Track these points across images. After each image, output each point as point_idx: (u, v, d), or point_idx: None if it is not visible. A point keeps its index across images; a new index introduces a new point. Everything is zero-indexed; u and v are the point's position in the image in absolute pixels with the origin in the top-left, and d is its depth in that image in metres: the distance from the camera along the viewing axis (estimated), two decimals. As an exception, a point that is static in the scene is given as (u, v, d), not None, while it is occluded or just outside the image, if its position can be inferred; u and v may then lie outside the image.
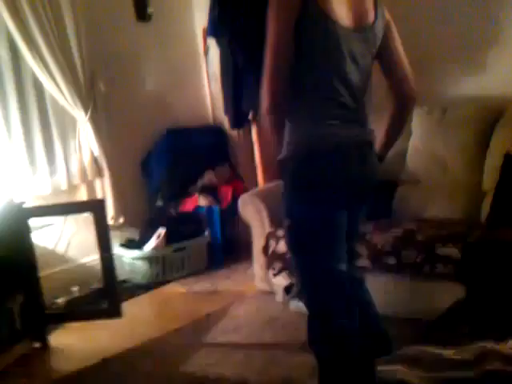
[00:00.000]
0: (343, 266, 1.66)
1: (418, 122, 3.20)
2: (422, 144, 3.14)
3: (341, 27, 1.52)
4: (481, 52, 3.24)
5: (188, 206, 3.91)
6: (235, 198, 3.63)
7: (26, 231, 2.79)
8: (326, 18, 1.50)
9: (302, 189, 1.60)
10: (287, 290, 2.87)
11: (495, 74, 3.18)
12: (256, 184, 3.54)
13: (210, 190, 3.93)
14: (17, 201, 2.83)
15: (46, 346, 2.80)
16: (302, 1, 1.47)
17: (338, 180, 1.59)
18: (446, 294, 2.26)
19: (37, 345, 2.80)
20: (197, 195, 3.90)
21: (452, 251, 2.34)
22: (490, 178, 2.82)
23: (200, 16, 3.94)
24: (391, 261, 2.48)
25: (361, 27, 1.57)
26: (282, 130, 1.62)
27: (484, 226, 2.58)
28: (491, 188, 2.74)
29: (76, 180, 3.49)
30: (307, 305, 1.71)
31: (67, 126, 3.48)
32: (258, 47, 2.78)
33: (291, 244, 1.72)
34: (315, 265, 1.66)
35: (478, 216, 2.77)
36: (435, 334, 1.94)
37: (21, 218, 2.76)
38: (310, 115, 1.59)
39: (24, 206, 2.79)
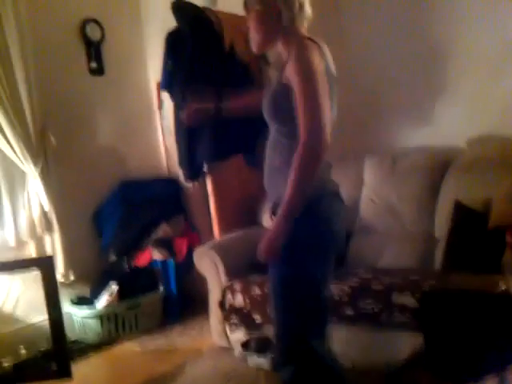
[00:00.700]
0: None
1: (369, 172, 3.27)
2: (373, 193, 3.20)
3: None
4: (428, 104, 3.37)
5: (142, 259, 3.82)
6: (191, 251, 3.59)
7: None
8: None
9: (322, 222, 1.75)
10: (245, 345, 2.80)
11: (442, 125, 3.31)
12: (212, 236, 3.50)
13: (165, 243, 3.86)
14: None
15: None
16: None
17: (336, 221, 1.80)
18: (405, 343, 2.24)
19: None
20: (151, 248, 3.81)
21: (408, 300, 2.33)
22: (441, 226, 2.87)
23: (154, 69, 3.98)
24: (348, 311, 2.46)
25: None
26: None
27: (438, 273, 2.61)
28: (443, 235, 2.80)
29: (25, 236, 3.37)
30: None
31: (16, 180, 3.38)
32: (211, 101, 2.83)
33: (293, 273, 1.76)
34: (312, 287, 1.77)
35: (431, 263, 2.81)
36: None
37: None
38: None
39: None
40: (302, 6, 1.79)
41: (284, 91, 1.72)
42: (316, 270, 1.77)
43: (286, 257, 1.72)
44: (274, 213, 1.81)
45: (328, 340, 1.84)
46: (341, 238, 1.87)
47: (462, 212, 2.70)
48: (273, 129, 1.84)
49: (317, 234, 1.75)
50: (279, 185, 1.76)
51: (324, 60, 1.75)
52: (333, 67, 1.81)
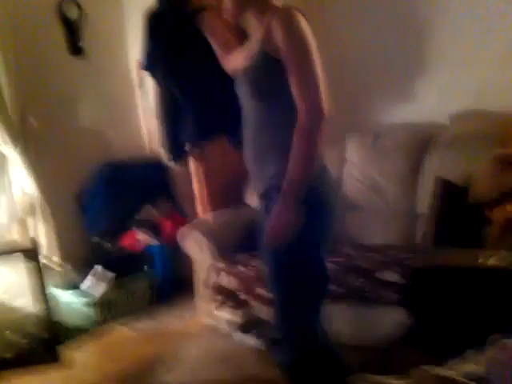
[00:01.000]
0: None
1: (351, 150, 3.29)
2: (356, 171, 3.22)
3: None
4: (409, 81, 3.38)
5: (129, 242, 3.81)
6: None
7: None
8: None
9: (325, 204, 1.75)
10: (237, 326, 2.82)
11: (423, 102, 3.33)
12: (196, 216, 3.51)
13: (150, 225, 3.86)
14: None
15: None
16: None
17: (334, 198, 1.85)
18: (394, 319, 2.27)
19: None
20: (136, 230, 3.81)
21: (393, 276, 2.38)
22: (424, 202, 2.91)
23: (134, 49, 3.93)
24: (336, 288, 2.46)
25: None
26: None
27: (422, 249, 2.64)
28: (426, 211, 2.84)
29: (7, 221, 3.34)
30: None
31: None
32: (193, 81, 2.81)
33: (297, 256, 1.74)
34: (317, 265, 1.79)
35: (415, 239, 2.86)
36: (386, 363, 1.95)
37: None
38: None
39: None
40: None
41: (272, 64, 1.67)
42: (320, 253, 1.78)
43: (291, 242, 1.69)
44: (266, 195, 1.80)
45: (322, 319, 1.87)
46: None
47: (444, 188, 2.74)
48: (257, 107, 1.78)
49: (321, 219, 1.74)
50: (272, 165, 1.75)
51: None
52: None
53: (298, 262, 1.74)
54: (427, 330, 2.00)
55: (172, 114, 2.93)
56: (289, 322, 1.84)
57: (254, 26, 1.82)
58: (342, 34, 3.57)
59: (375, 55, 3.50)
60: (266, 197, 1.80)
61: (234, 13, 1.82)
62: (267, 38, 1.68)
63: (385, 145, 3.19)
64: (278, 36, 1.64)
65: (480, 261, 2.03)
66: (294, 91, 1.64)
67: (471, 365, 1.42)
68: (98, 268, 3.53)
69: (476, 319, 1.82)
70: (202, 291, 3.05)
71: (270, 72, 1.69)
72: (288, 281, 1.78)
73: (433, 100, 3.28)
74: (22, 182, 3.33)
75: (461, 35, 3.17)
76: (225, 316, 2.91)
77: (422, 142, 3.09)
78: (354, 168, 3.25)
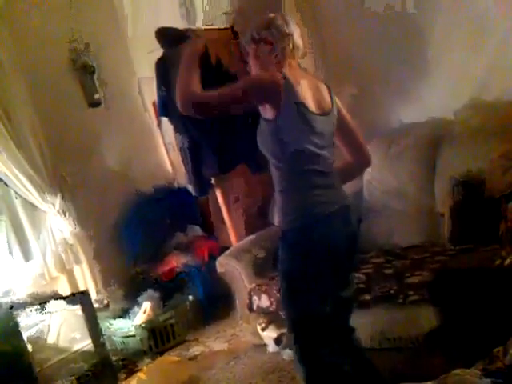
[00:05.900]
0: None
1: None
2: (374, 179, 3.33)
3: (310, 112, 1.87)
4: (415, 85, 3.46)
5: (165, 268, 3.95)
6: (211, 256, 3.78)
7: (16, 332, 2.84)
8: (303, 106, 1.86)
9: (302, 254, 1.88)
10: (277, 341, 2.98)
11: (430, 104, 3.39)
12: (229, 241, 3.67)
13: (185, 251, 4.03)
14: (4, 305, 2.90)
15: None
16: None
17: (331, 244, 1.88)
18: (423, 320, 2.40)
19: None
20: (171, 256, 3.97)
21: (421, 279, 2.47)
22: (441, 200, 2.97)
23: (148, 91, 4.11)
24: (367, 296, 2.58)
25: (323, 112, 1.92)
26: None
27: (445, 249, 2.74)
28: (445, 209, 2.92)
29: (54, 272, 3.56)
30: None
31: (38, 220, 3.57)
32: (208, 122, 2.97)
33: (289, 293, 1.96)
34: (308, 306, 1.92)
35: (437, 238, 2.93)
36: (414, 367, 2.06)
37: (10, 321, 2.82)
38: (296, 185, 1.89)
39: (12, 310, 2.85)
40: (291, 37, 1.96)
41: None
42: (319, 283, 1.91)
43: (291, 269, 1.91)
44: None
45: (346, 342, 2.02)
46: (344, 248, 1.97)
47: (459, 186, 2.81)
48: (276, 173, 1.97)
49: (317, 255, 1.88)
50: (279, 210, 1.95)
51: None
52: None
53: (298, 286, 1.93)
54: (454, 330, 2.11)
55: (193, 152, 3.10)
56: (299, 342, 1.99)
57: None
58: (346, 40, 3.69)
59: (378, 61, 3.59)
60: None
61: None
62: None
63: (397, 150, 3.27)
64: None
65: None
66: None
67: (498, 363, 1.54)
68: (144, 294, 3.71)
69: (497, 319, 1.93)
70: (244, 313, 3.20)
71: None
72: (291, 306, 2.00)
73: (437, 102, 3.36)
74: (64, 234, 3.54)
75: (457, 31, 3.25)
76: (267, 333, 3.06)
77: (432, 141, 3.16)
78: (371, 176, 3.35)
